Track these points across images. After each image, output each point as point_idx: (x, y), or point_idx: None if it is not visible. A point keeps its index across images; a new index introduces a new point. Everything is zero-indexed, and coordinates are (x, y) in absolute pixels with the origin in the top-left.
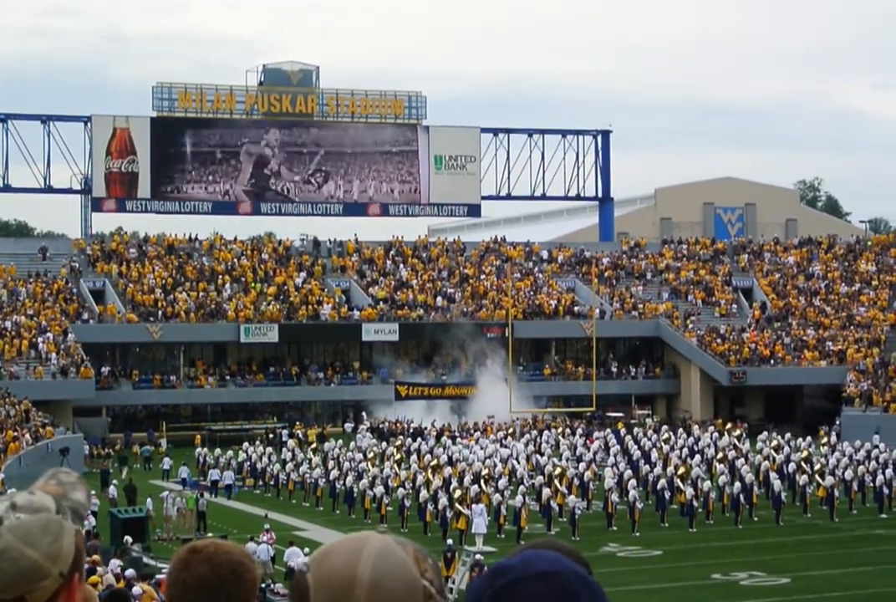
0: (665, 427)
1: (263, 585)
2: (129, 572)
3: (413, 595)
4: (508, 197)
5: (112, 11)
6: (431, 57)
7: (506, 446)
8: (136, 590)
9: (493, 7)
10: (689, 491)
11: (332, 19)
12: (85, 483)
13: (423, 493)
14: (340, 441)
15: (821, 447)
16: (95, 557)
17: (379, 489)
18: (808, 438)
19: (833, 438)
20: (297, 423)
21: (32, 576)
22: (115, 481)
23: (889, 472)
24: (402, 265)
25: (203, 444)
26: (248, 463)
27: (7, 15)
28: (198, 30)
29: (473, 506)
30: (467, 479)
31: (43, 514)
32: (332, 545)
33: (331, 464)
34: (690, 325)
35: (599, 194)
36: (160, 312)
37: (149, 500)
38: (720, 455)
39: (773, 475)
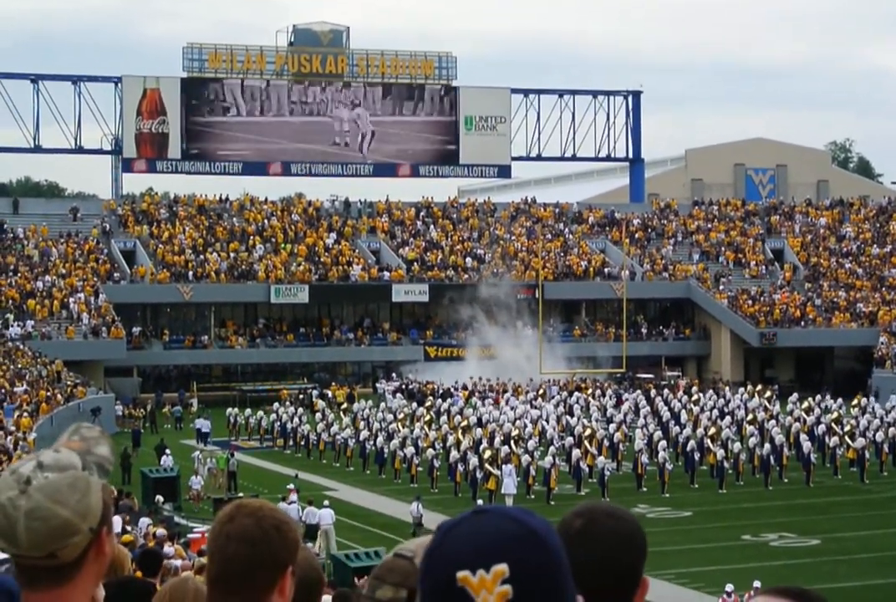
0: (695, 388)
1: None
2: (160, 532)
3: None
4: (539, 158)
5: None
6: (462, 17)
7: (536, 407)
8: (168, 550)
9: None
10: (720, 452)
11: None
12: (108, 436)
13: (453, 454)
14: (370, 401)
15: (852, 409)
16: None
17: (409, 450)
18: (840, 400)
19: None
20: (333, 384)
21: (63, 533)
22: (168, 451)
23: None
24: (432, 226)
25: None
26: (279, 423)
27: None
28: None
29: (503, 466)
30: (497, 439)
31: (70, 472)
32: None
33: (361, 424)
34: (721, 287)
35: (630, 155)
36: (191, 273)
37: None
38: (750, 416)
39: (803, 437)
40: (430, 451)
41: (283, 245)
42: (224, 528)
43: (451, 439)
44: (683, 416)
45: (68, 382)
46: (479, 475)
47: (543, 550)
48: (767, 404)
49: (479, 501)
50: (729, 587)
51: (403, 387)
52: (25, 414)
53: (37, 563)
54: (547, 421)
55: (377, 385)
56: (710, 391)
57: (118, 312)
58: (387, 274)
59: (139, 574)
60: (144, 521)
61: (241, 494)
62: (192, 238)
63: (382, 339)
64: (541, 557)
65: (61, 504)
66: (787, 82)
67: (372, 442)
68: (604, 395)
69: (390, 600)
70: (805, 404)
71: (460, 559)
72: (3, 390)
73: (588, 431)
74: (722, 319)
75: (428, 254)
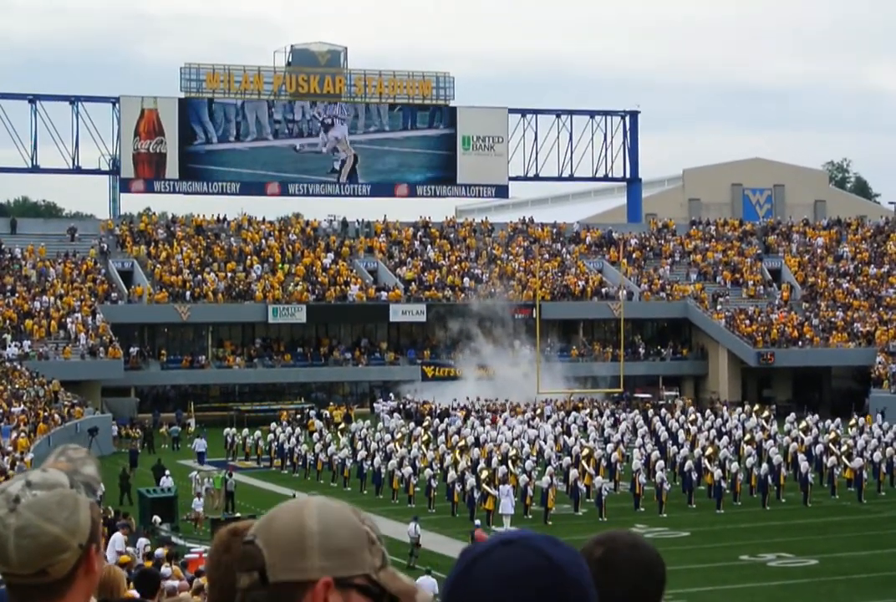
0: (692, 408)
1: None
2: (159, 552)
3: (359, 539)
4: (536, 178)
5: None
6: (459, 38)
7: (533, 427)
8: (165, 570)
9: None
10: (717, 472)
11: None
12: (94, 457)
13: (451, 474)
14: (367, 421)
15: (849, 429)
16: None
17: (406, 470)
18: (837, 420)
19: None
20: (331, 404)
21: (53, 550)
22: (167, 472)
23: None
24: (429, 246)
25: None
26: (276, 443)
27: None
28: (222, 9)
29: (500, 486)
30: (495, 459)
31: (58, 490)
32: (271, 513)
33: (358, 444)
34: (718, 307)
35: (627, 175)
36: (188, 293)
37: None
38: (748, 436)
39: (800, 456)
40: (428, 472)
41: (280, 265)
42: (222, 558)
43: (448, 459)
44: (681, 436)
45: (65, 402)
46: (476, 495)
47: (567, 585)
48: (765, 424)
49: (477, 522)
50: None
51: (400, 407)
52: (23, 434)
53: (27, 580)
54: (545, 441)
55: (374, 405)
56: (708, 411)
57: (116, 332)
58: (384, 294)
59: (131, 594)
60: (142, 541)
61: (238, 514)
62: (189, 258)
63: (380, 359)
64: (564, 593)
65: (50, 521)
66: (785, 102)
67: (369, 462)
68: (601, 414)
69: (249, 586)
70: (803, 424)
71: (484, 595)
72: (0, 410)
73: (586, 451)
74: (719, 339)
75: (425, 274)
